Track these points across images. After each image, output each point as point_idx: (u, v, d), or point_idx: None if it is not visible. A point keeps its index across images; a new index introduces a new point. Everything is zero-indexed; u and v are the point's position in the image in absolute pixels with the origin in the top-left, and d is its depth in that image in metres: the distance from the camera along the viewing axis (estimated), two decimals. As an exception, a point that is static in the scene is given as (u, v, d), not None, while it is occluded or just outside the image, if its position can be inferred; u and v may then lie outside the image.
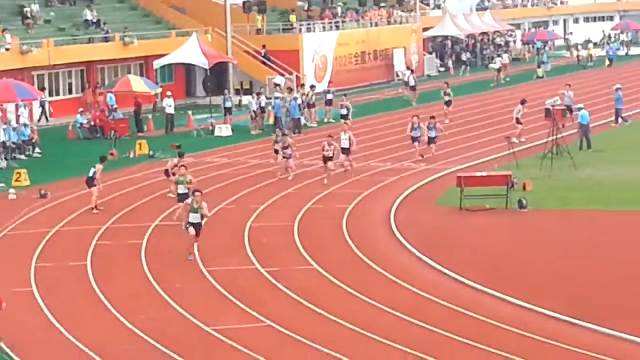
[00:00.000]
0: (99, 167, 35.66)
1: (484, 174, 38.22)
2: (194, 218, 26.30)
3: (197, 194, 26.91)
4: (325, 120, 57.41)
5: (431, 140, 43.54)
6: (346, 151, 40.74)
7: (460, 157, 44.67)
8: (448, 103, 54.63)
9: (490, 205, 34.62)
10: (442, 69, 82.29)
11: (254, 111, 55.61)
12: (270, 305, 24.44)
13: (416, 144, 42.87)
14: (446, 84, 58.94)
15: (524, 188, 35.70)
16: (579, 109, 47.33)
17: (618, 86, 55.81)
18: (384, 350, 21.30)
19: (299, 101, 56.37)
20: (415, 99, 65.16)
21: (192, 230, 26.91)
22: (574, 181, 38.89)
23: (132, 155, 45.86)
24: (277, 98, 56.75)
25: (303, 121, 55.36)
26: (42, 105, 57.37)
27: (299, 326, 22.77)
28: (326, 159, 38.61)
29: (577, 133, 45.56)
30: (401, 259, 29.04)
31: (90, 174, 35.40)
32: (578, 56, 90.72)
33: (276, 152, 42.15)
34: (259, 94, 59.12)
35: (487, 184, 36.06)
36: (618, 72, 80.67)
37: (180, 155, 36.18)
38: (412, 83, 67.38)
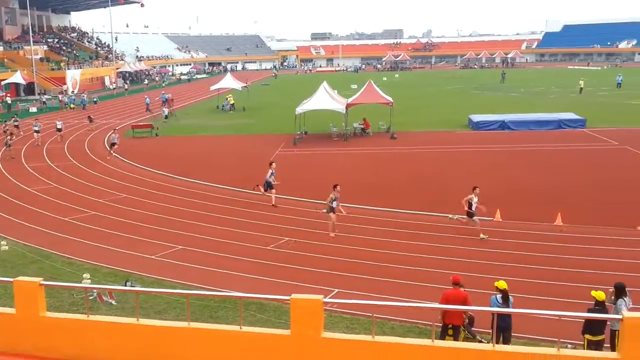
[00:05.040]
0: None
1: (144, 124, 36.06)
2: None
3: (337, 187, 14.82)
4: (72, 106, 48.09)
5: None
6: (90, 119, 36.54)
7: (134, 118, 41.42)
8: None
9: (145, 136, 33.65)
10: (123, 84, 76.61)
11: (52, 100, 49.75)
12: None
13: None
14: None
15: (157, 128, 34.37)
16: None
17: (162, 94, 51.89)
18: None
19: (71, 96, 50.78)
20: (127, 92, 60.98)
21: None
22: (178, 125, 37.14)
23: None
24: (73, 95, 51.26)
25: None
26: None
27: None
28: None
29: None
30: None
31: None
32: (179, 78, 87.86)
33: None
34: (58, 94, 53.08)
35: (143, 127, 35.14)
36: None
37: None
38: (126, 87, 64.16)
